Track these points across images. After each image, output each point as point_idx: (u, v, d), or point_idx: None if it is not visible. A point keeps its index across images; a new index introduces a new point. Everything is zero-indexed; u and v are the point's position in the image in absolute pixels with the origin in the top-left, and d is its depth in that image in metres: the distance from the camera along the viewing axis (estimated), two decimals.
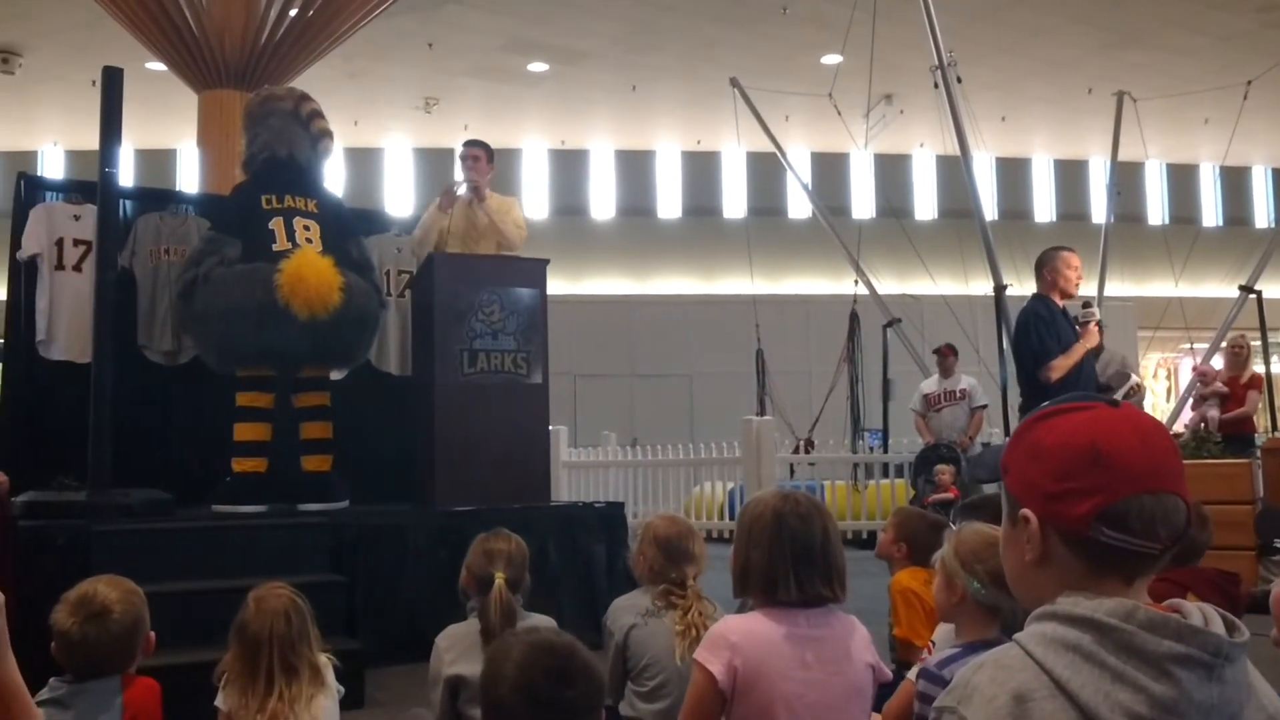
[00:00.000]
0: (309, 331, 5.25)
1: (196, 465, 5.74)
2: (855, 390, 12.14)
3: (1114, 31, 13.73)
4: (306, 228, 5.56)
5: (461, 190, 6.10)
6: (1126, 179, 16.62)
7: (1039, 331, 5.38)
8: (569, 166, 18.35)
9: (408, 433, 6.06)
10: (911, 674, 2.39)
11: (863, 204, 18.27)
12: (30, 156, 16.67)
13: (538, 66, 14.62)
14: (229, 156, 8.55)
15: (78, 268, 5.86)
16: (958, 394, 9.43)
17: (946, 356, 9.55)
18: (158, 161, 16.46)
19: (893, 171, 18.56)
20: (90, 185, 5.64)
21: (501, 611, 2.78)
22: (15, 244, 5.87)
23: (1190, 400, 9.53)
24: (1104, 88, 13.53)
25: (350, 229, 6.02)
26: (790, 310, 16.19)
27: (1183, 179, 20.06)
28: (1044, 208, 19.63)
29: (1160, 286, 15.46)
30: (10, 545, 4.26)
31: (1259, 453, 7.06)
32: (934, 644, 2.62)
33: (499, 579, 2.84)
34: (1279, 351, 11.06)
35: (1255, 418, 8.85)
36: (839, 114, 11.21)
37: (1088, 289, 9.85)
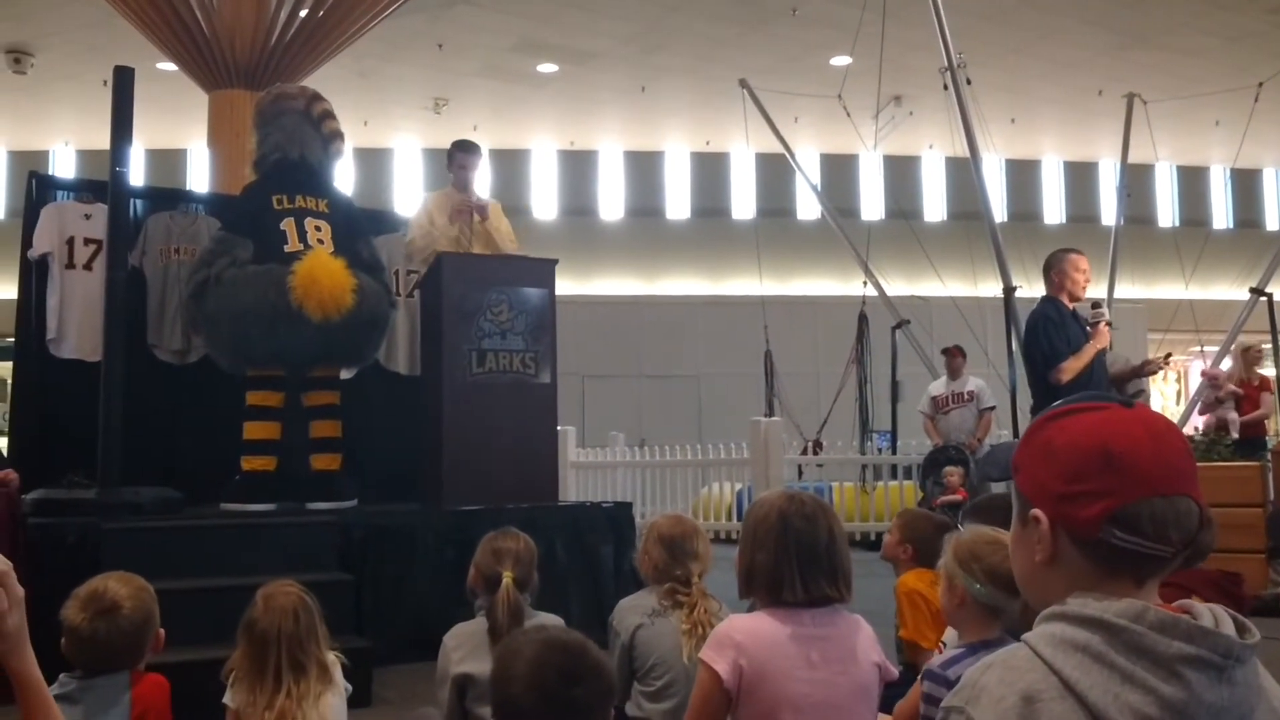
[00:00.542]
0: (321, 333, 5.27)
1: (206, 463, 5.75)
2: (864, 392, 12.13)
3: (1124, 33, 13.69)
4: (318, 228, 5.57)
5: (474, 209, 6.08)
6: (1136, 181, 16.58)
7: (1048, 334, 5.38)
8: (578, 167, 18.36)
9: (416, 432, 6.06)
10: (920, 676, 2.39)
11: (872, 205, 18.25)
12: (42, 156, 16.72)
13: (547, 67, 14.64)
14: (239, 156, 8.57)
15: (88, 266, 5.88)
16: (966, 396, 9.42)
17: (955, 358, 9.54)
18: (168, 161, 16.51)
19: (902, 173, 18.53)
20: (101, 184, 5.66)
21: (509, 610, 2.78)
22: (26, 242, 5.88)
23: (1199, 404, 9.50)
24: (1114, 89, 13.50)
25: (360, 229, 6.03)
26: (799, 311, 16.18)
27: (1193, 181, 19.99)
28: (1053, 210, 19.58)
29: (1170, 289, 15.42)
30: (21, 542, 4.28)
31: (1269, 455, 7.04)
32: (944, 645, 2.62)
33: (507, 578, 2.84)
34: None
35: (1266, 421, 8.83)
36: (848, 115, 11.21)
37: (1098, 291, 9.84)
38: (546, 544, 4.78)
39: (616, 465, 11.27)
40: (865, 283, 11.74)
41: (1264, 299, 10.11)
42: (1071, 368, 5.31)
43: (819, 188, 13.83)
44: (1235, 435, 7.76)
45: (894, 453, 11.14)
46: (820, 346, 16.06)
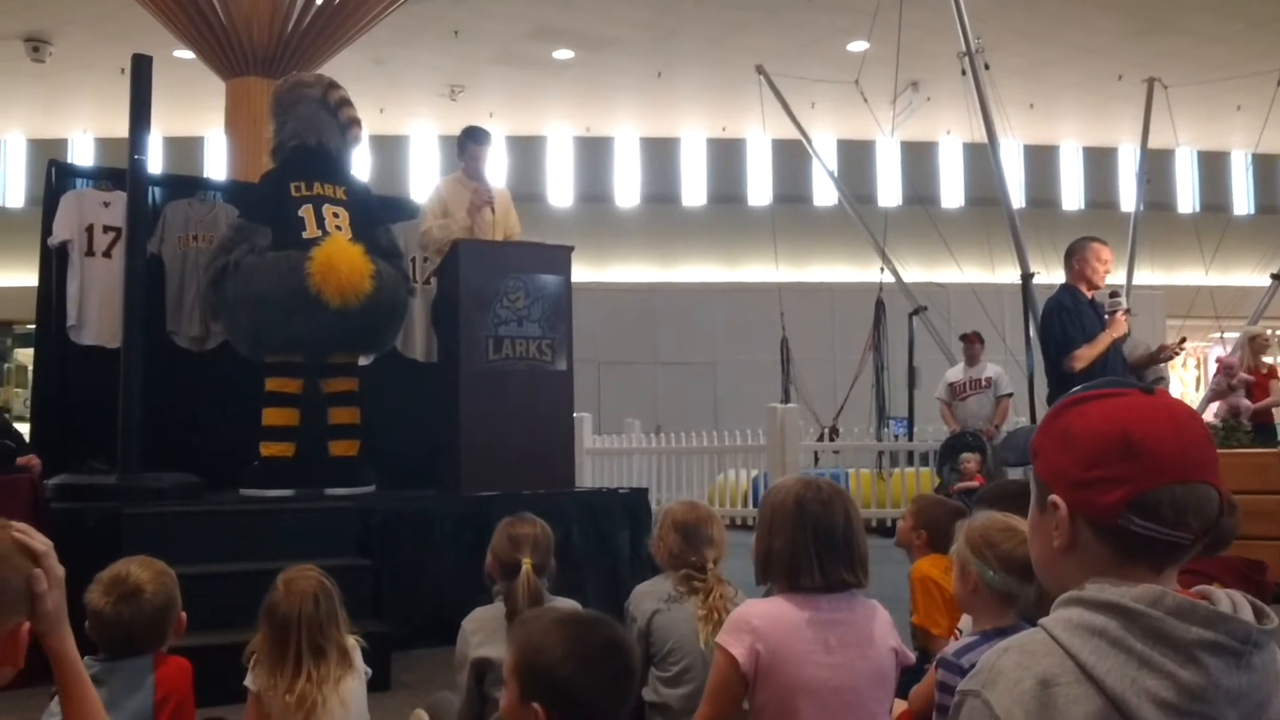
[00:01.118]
0: (340, 319, 5.28)
1: (224, 449, 5.78)
2: (880, 378, 12.12)
3: (1144, 17, 13.57)
4: (336, 215, 5.58)
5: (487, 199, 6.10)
6: (1156, 166, 16.44)
7: (1062, 321, 5.37)
8: (594, 154, 18.34)
9: (433, 419, 6.08)
10: (933, 662, 2.40)
11: (889, 191, 18.17)
12: (61, 144, 16.80)
13: (563, 54, 14.62)
14: (256, 143, 8.61)
15: (107, 254, 5.92)
16: (983, 382, 9.39)
17: (973, 344, 9.52)
18: (186, 149, 16.57)
19: (919, 159, 18.43)
20: (120, 172, 5.70)
21: (529, 595, 2.80)
22: (47, 230, 5.93)
23: (1210, 390, 9.44)
24: (1134, 74, 13.38)
25: (378, 216, 6.05)
26: (815, 298, 16.15)
27: (1214, 166, 19.82)
28: (1072, 195, 19.46)
29: (1190, 275, 15.32)
30: (43, 527, 4.31)
31: None
32: (960, 632, 2.62)
33: (526, 564, 2.85)
34: None
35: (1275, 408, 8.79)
36: (865, 101, 11.16)
37: (1117, 277, 9.79)
38: (563, 530, 4.79)
39: (632, 452, 11.29)
40: (882, 269, 11.70)
41: None
42: (1085, 355, 5.29)
43: (836, 174, 13.79)
44: (1246, 422, 7.73)
45: (910, 439, 11.11)
46: (837, 333, 16.02)
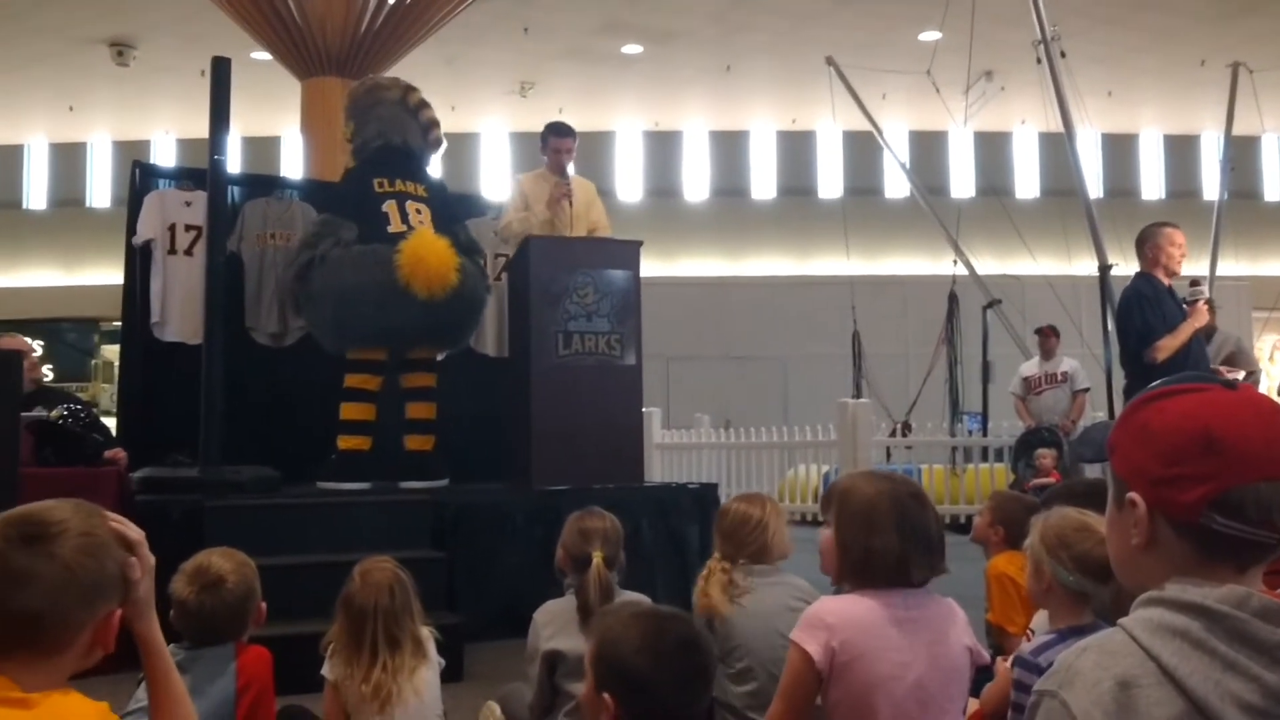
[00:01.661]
0: (426, 311, 5.36)
1: (302, 443, 5.90)
2: (954, 373, 11.94)
3: (1228, 0, 13.17)
4: (418, 211, 5.66)
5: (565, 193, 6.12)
6: (1241, 153, 15.96)
7: (1142, 310, 5.21)
8: (663, 148, 18.35)
9: (505, 414, 6.14)
10: (1008, 661, 2.36)
11: (962, 183, 17.92)
12: (144, 145, 17.28)
13: (632, 48, 14.63)
14: (331, 142, 8.76)
15: (189, 252, 6.06)
16: (1059, 376, 9.23)
17: (1048, 338, 9.36)
18: (263, 148, 16.92)
19: (993, 149, 18.14)
20: (200, 172, 5.83)
21: (600, 589, 2.81)
22: (131, 230, 6.09)
23: None
24: (1218, 59, 13.00)
25: (456, 214, 6.14)
26: (887, 291, 15.97)
27: None
28: (1153, 185, 18.98)
29: (1277, 265, 14.87)
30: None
31: None
32: (1032, 632, 2.58)
33: (597, 557, 2.87)
34: None
35: None
36: (937, 91, 11.02)
37: (1199, 268, 9.53)
38: (632, 524, 4.81)
39: (702, 447, 11.28)
40: (955, 261, 11.54)
41: None
42: (1167, 346, 5.13)
43: (908, 165, 13.61)
44: None
45: (984, 434, 10.95)
46: (909, 327, 15.84)
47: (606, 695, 1.75)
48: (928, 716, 2.08)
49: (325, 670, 2.70)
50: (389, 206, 5.59)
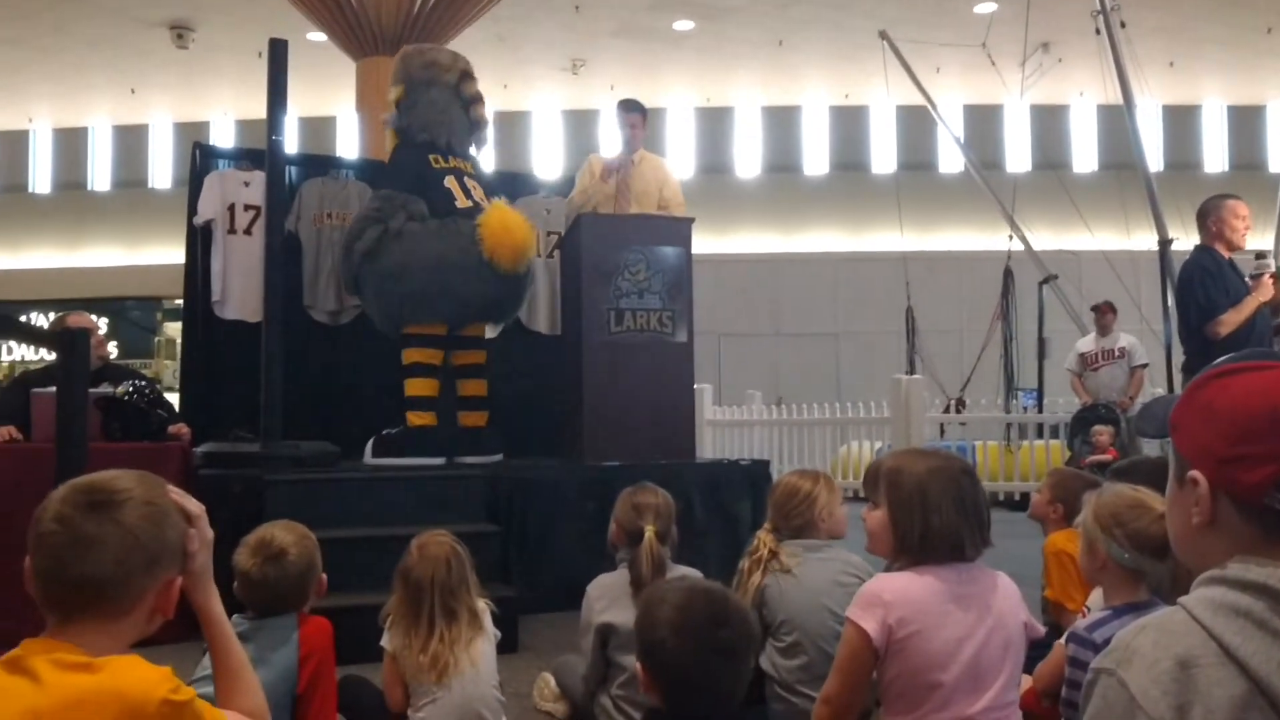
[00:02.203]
0: (500, 285, 5.43)
1: (359, 418, 5.98)
2: (1009, 349, 11.82)
3: None
4: (474, 187, 5.68)
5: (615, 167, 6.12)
6: None
7: (1204, 284, 5.09)
8: (714, 124, 18.24)
9: (558, 390, 6.18)
10: (1063, 638, 2.35)
11: (1018, 156, 17.63)
12: (203, 126, 17.53)
13: (683, 24, 14.55)
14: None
15: (248, 232, 6.14)
16: (1116, 353, 9.10)
17: (1105, 314, 9.22)
18: (319, 128, 17.09)
19: (1050, 122, 17.81)
20: (258, 153, 5.90)
21: (653, 563, 2.84)
22: (192, 210, 6.19)
23: None
24: None
25: (495, 190, 6.15)
26: (942, 267, 15.80)
27: None
28: (1215, 157, 18.52)
29: None
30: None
31: None
32: (1088, 609, 2.56)
33: (649, 531, 2.89)
34: None
35: None
36: (993, 64, 10.84)
37: (1264, 242, 9.32)
38: (684, 500, 4.82)
39: (754, 423, 11.25)
40: (1011, 236, 11.38)
41: None
42: (1230, 321, 5.01)
43: (962, 139, 13.42)
44: None
45: (1040, 411, 10.82)
46: (964, 303, 15.67)
47: (640, 666, 1.81)
48: (983, 691, 2.08)
49: (384, 641, 2.75)
50: (450, 182, 5.60)
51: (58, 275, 17.12)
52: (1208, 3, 13.79)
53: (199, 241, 6.20)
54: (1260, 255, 5.50)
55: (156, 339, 17.70)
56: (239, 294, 6.10)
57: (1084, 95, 17.28)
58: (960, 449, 9.92)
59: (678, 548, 3.08)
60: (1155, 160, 14.23)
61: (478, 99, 5.88)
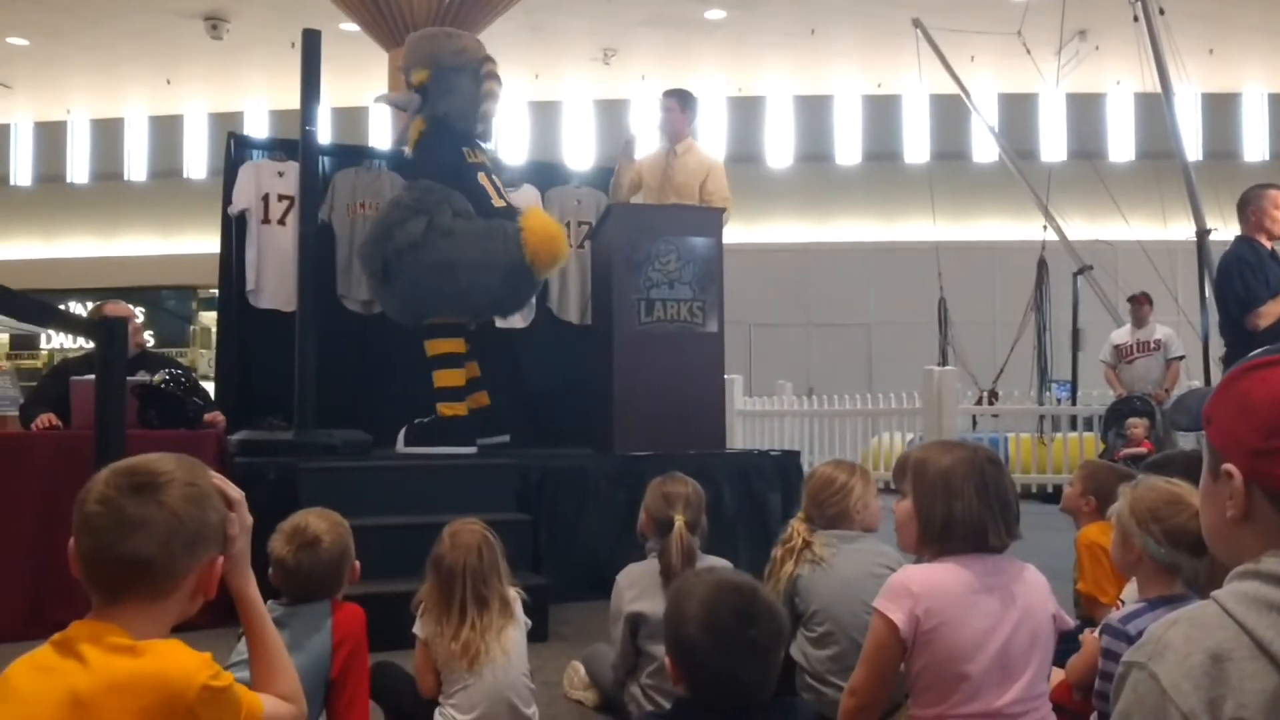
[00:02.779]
0: (533, 284, 5.62)
1: (391, 407, 6.01)
2: (1042, 340, 11.72)
3: None
4: (498, 184, 5.72)
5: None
6: None
7: (1244, 275, 5.03)
8: (746, 113, 18.17)
9: (588, 380, 6.19)
10: (1095, 631, 2.34)
11: (1053, 146, 17.45)
12: (237, 117, 17.67)
13: (715, 13, 14.50)
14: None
15: (282, 221, 6.20)
16: (1152, 344, 9.01)
17: (1141, 305, 9.12)
18: (351, 118, 17.17)
19: (1086, 111, 17.59)
20: (292, 143, 5.94)
21: (682, 553, 2.85)
22: (227, 199, 6.25)
23: None
24: None
25: (522, 182, 6.21)
26: (975, 257, 15.69)
27: None
28: (1256, 146, 18.24)
29: None
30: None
31: None
32: (1122, 602, 2.55)
33: (679, 521, 2.90)
34: None
35: None
36: (1028, 52, 10.74)
37: None
38: (714, 490, 4.83)
39: (784, 414, 11.23)
40: (1045, 226, 11.28)
41: None
42: (1270, 312, 4.95)
43: (996, 128, 13.30)
44: None
45: (1074, 403, 10.73)
46: (997, 293, 15.55)
47: (668, 659, 1.83)
48: (1011, 682, 2.07)
49: (416, 628, 2.78)
50: (482, 178, 5.61)
51: (94, 264, 17.34)
52: None
53: (234, 231, 6.25)
54: None
55: (191, 327, 17.90)
56: (273, 283, 6.15)
57: (1121, 84, 17.06)
58: (992, 441, 9.86)
59: (708, 538, 3.09)
60: (1194, 149, 14.03)
61: (491, 95, 5.76)
